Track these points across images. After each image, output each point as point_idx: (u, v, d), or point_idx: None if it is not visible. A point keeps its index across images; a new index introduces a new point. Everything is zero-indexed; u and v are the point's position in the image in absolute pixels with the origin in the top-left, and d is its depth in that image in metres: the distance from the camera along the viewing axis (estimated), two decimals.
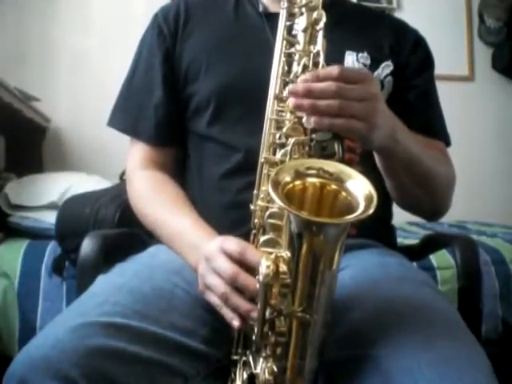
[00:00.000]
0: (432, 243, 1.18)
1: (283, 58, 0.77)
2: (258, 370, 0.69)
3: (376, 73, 0.99)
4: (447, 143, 1.08)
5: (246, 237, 0.80)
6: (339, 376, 0.72)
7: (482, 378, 0.65)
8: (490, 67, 3.22)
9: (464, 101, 3.07)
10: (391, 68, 1.00)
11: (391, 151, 0.80)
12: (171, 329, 0.75)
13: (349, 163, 0.69)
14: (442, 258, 1.71)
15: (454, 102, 2.72)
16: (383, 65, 1.00)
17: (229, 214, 0.92)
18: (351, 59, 0.97)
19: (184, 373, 0.75)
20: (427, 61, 1.07)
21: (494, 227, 2.39)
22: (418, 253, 1.17)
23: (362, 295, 0.79)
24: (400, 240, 1.18)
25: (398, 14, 3.01)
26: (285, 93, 0.74)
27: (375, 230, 0.92)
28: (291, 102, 0.69)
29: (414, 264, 1.13)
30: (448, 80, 2.81)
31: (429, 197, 0.94)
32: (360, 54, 0.98)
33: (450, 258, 1.68)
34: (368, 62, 0.98)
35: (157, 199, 0.95)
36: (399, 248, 1.08)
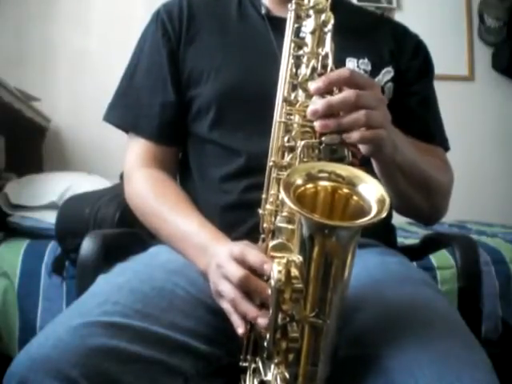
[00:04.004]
0: (432, 243, 1.18)
1: (291, 61, 0.76)
2: (269, 377, 0.68)
3: (377, 79, 0.98)
4: (446, 148, 1.08)
5: (245, 237, 0.80)
6: (341, 375, 0.72)
7: (481, 377, 0.65)
8: (489, 67, 3.22)
9: (464, 101, 3.07)
10: (392, 74, 1.00)
11: (391, 158, 0.79)
12: (172, 328, 0.75)
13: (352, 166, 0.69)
14: (442, 258, 1.71)
15: (454, 102, 2.74)
16: (384, 71, 1.00)
17: (229, 215, 0.92)
18: (352, 66, 0.97)
19: (184, 372, 0.76)
20: (427, 66, 1.07)
21: (494, 227, 2.38)
22: (418, 253, 1.17)
23: (362, 295, 0.79)
24: (400, 240, 1.18)
25: (397, 14, 3.02)
26: (308, 114, 0.71)
27: (375, 229, 0.92)
28: (317, 125, 0.69)
29: (414, 264, 1.13)
30: (448, 80, 2.82)
31: (427, 203, 0.94)
32: (361, 61, 0.98)
33: (450, 257, 1.68)
34: (369, 68, 0.98)
35: (159, 199, 0.94)
36: (399, 248, 1.08)
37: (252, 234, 0.82)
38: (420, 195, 0.91)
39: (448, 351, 0.68)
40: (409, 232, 2.26)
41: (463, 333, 0.74)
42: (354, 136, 0.69)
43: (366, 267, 0.87)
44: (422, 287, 0.84)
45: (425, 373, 0.65)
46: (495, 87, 3.21)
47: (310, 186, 0.66)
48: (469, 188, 2.70)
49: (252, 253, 0.72)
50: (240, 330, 0.70)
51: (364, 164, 0.87)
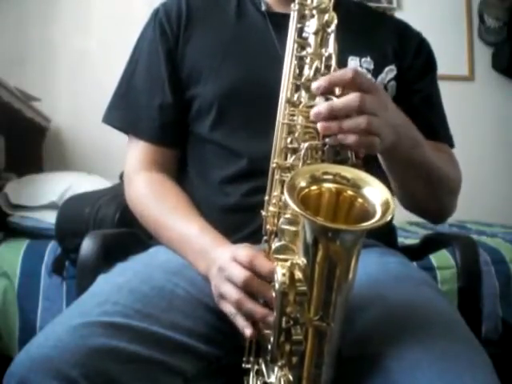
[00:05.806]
0: (432, 243, 1.18)
1: (294, 61, 0.76)
2: (273, 379, 0.68)
3: (380, 77, 0.98)
4: (451, 145, 1.08)
5: (247, 240, 0.80)
6: (341, 375, 0.72)
7: (481, 377, 0.65)
8: (489, 67, 3.22)
9: (464, 101, 3.07)
10: (395, 72, 1.00)
11: (391, 156, 0.79)
12: (172, 328, 0.75)
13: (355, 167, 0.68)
14: (442, 258, 1.71)
15: (454, 102, 2.71)
16: (387, 69, 0.99)
17: (230, 217, 0.92)
18: (354, 64, 0.96)
19: (184, 372, 0.75)
20: (430, 64, 1.07)
21: (494, 227, 2.39)
22: (418, 253, 1.17)
23: (362, 295, 0.79)
24: (400, 240, 1.18)
25: (398, 14, 3.01)
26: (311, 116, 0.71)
27: (375, 229, 0.92)
28: (319, 127, 0.69)
29: (414, 264, 1.13)
30: (448, 80, 2.81)
31: (436, 199, 0.94)
32: (363, 59, 0.97)
33: (450, 257, 1.68)
34: (371, 66, 0.97)
35: (159, 202, 0.94)
36: (399, 248, 1.08)
37: (253, 236, 0.82)
38: (428, 191, 0.91)
39: (448, 351, 0.68)
40: (409, 232, 2.26)
41: (463, 333, 0.74)
42: (350, 139, 0.69)
43: (365, 267, 0.86)
44: (422, 287, 0.84)
45: (425, 373, 0.65)
46: (495, 87, 3.21)
47: (314, 188, 0.65)
48: (469, 188, 2.68)
49: (260, 259, 0.71)
50: (248, 330, 0.69)
51: (366, 163, 0.87)
